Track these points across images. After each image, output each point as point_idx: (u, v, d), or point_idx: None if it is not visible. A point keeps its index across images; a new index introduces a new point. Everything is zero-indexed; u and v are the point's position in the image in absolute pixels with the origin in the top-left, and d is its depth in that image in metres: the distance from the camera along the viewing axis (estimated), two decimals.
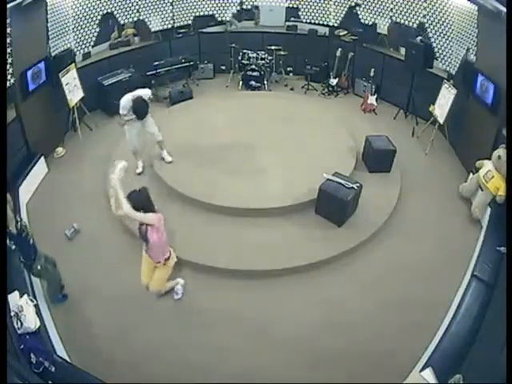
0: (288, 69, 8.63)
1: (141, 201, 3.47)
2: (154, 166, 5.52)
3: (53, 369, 3.09)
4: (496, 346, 2.80)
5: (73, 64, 6.36)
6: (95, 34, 7.29)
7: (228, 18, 8.56)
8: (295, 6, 8.50)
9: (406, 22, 7.31)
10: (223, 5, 8.49)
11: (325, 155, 5.61)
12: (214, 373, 3.48)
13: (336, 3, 8.15)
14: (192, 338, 3.77)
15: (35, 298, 3.74)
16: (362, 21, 7.92)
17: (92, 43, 7.31)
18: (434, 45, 6.92)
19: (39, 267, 3.69)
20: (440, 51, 6.90)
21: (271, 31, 8.58)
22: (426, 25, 6.99)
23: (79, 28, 6.99)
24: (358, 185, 4.73)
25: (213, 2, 8.42)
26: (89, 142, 6.51)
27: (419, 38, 6.95)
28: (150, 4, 7.84)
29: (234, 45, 8.18)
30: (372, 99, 7.46)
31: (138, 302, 4.07)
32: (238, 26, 8.66)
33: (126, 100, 4.91)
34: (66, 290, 4.10)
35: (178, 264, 4.38)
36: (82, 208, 5.17)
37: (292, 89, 8.24)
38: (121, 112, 4.98)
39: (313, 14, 8.46)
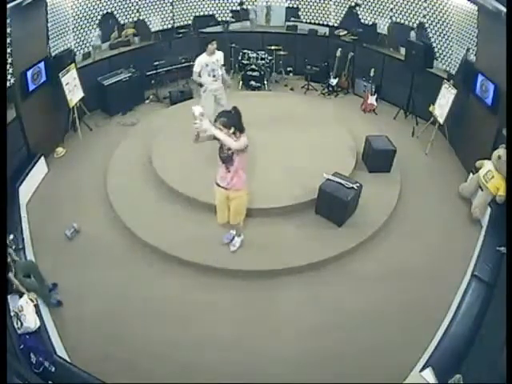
0: (288, 69, 8.63)
1: (232, 120, 3.54)
2: (154, 165, 5.52)
3: (53, 369, 3.10)
4: (496, 346, 2.80)
5: (73, 64, 6.36)
6: (94, 35, 7.29)
7: (250, 15, 8.59)
8: (295, 6, 8.50)
9: (406, 22, 7.31)
10: (223, 5, 8.49)
11: (325, 155, 5.60)
12: (214, 373, 3.48)
13: (336, 3, 8.15)
14: (192, 337, 3.76)
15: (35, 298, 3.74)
16: (362, 21, 7.91)
17: (92, 43, 7.30)
18: (434, 45, 6.93)
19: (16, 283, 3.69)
20: (440, 51, 6.90)
21: (271, 31, 8.59)
22: (426, 25, 7.00)
23: (79, 28, 6.99)
24: (357, 185, 4.73)
25: (213, 1, 8.43)
26: (89, 142, 6.51)
27: (414, 35, 6.97)
28: (149, 4, 7.84)
29: (234, 45, 8.19)
30: (372, 99, 7.46)
31: (138, 301, 4.07)
32: (256, 22, 8.69)
33: (200, 57, 5.40)
34: (65, 290, 4.11)
35: (178, 263, 4.41)
36: (82, 208, 5.17)
37: (292, 89, 8.24)
38: (194, 69, 5.44)
39: (313, 14, 8.46)
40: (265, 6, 8.66)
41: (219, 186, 3.86)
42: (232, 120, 3.55)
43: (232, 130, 3.54)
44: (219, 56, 5.49)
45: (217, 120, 3.56)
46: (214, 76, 5.52)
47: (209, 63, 5.42)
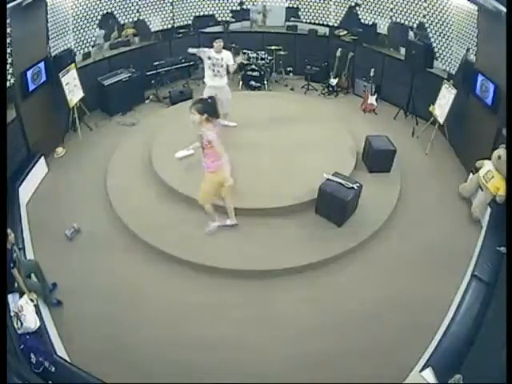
0: (288, 69, 8.63)
1: (206, 107, 3.88)
2: (154, 166, 5.52)
3: (53, 369, 3.09)
4: (496, 346, 2.80)
5: (73, 64, 6.36)
6: (95, 34, 7.29)
7: (253, 16, 8.60)
8: (295, 6, 8.49)
9: (406, 22, 7.31)
10: (223, 5, 8.49)
11: (325, 155, 5.60)
12: (213, 373, 3.48)
13: (336, 3, 8.15)
14: (192, 337, 3.76)
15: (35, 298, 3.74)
16: (362, 21, 7.91)
17: (92, 43, 7.30)
18: (434, 45, 6.92)
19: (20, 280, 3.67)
20: (440, 51, 6.90)
21: (271, 31, 8.60)
22: (426, 25, 6.99)
23: (79, 28, 6.99)
24: (357, 185, 4.73)
25: (213, 1, 8.43)
26: (89, 142, 6.50)
27: (414, 35, 6.97)
28: (149, 4, 7.83)
29: (233, 45, 8.18)
30: (372, 99, 7.46)
31: (138, 301, 4.07)
32: (259, 23, 8.67)
33: (209, 49, 5.61)
34: (65, 290, 4.11)
35: (178, 263, 4.41)
36: (81, 208, 5.17)
37: (292, 89, 8.24)
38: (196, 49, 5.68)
39: (313, 14, 8.46)
40: (262, 6, 8.64)
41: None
42: (206, 107, 3.87)
43: (205, 116, 3.85)
44: (225, 55, 5.58)
45: (192, 106, 3.88)
46: (213, 71, 5.60)
47: (212, 57, 5.54)
